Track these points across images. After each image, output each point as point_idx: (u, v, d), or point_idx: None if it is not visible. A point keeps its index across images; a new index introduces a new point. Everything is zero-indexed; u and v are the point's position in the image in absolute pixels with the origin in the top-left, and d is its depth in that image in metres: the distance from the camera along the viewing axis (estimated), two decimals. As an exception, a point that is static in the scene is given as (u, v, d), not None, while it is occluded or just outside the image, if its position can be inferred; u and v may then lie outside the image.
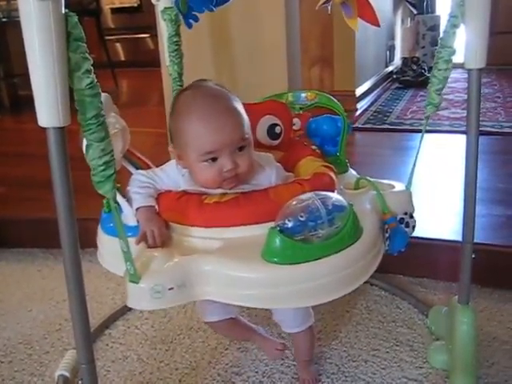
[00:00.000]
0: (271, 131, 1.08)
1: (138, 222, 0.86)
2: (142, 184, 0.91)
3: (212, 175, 0.86)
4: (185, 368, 1.15)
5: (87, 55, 0.64)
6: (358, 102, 3.21)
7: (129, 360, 1.19)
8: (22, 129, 3.42)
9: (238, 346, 1.20)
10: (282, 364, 1.14)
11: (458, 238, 1.03)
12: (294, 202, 0.77)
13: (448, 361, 1.07)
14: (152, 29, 5.01)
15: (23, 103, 3.90)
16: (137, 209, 0.87)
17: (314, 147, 1.05)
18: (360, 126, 2.84)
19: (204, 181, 0.88)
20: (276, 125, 1.08)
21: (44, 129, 0.66)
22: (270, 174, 0.92)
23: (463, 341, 1.01)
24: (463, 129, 2.91)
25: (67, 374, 1.11)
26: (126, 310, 1.38)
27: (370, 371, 1.11)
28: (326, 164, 0.96)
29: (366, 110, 3.25)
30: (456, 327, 1.02)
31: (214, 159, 0.86)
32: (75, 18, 0.62)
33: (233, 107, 0.87)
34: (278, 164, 0.96)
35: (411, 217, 0.96)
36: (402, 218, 0.94)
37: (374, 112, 3.21)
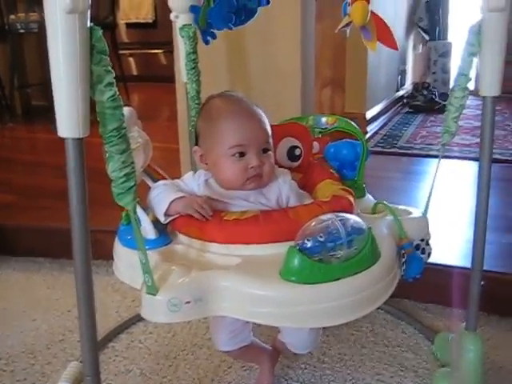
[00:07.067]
0: (291, 153, 1.09)
1: (174, 214, 0.89)
2: (167, 185, 0.94)
3: (238, 171, 0.91)
4: (187, 384, 1.15)
5: (110, 68, 0.65)
6: (368, 125, 3.21)
7: (131, 374, 1.19)
8: (33, 138, 3.46)
9: (242, 365, 1.20)
10: (285, 385, 1.14)
11: (465, 264, 1.02)
12: (314, 223, 0.77)
13: (453, 388, 1.05)
14: (165, 45, 5.07)
15: (35, 113, 3.94)
16: (171, 202, 0.88)
17: (332, 171, 1.05)
18: (369, 148, 2.84)
19: (228, 176, 0.92)
20: (296, 147, 1.09)
21: (62, 139, 0.67)
22: (281, 184, 0.95)
23: (470, 368, 1.00)
24: (472, 155, 2.90)
25: (69, 385, 1.10)
26: (130, 323, 1.37)
27: (374, 396, 1.10)
28: (345, 187, 0.97)
29: (375, 133, 3.26)
30: (463, 354, 1.01)
31: (241, 154, 0.91)
32: (99, 32, 0.63)
33: (260, 112, 0.96)
34: (293, 181, 0.98)
35: (427, 244, 0.95)
36: (419, 245, 0.94)
37: (384, 135, 3.21)
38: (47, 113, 3.58)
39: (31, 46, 3.85)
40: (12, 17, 3.68)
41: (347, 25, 0.99)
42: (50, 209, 1.89)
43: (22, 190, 2.26)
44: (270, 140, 0.95)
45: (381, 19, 0.98)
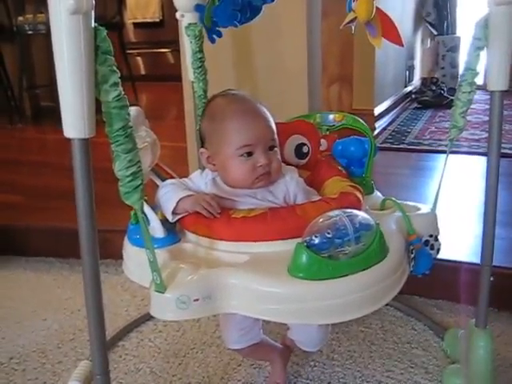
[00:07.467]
0: (298, 150, 1.09)
1: (183, 212, 0.89)
2: (174, 184, 0.94)
3: (246, 170, 0.91)
4: (197, 383, 1.15)
5: (115, 68, 0.65)
6: (376, 121, 3.20)
7: (141, 372, 1.19)
8: (42, 139, 3.47)
9: (251, 363, 1.20)
10: (295, 383, 1.13)
11: (475, 260, 1.01)
12: (322, 219, 0.77)
13: (464, 385, 1.05)
14: (173, 44, 5.07)
15: (44, 114, 3.96)
16: (178, 201, 0.88)
17: (340, 168, 1.05)
18: (378, 145, 2.84)
19: (237, 177, 0.92)
20: (303, 144, 1.09)
21: (68, 140, 0.67)
22: (288, 182, 0.95)
23: (479, 365, 1.00)
24: (481, 150, 2.87)
25: (80, 384, 1.11)
26: (139, 322, 1.38)
27: (383, 393, 1.10)
28: (353, 184, 0.96)
29: (384, 129, 3.25)
30: (472, 351, 1.00)
31: (249, 154, 0.91)
32: (104, 32, 0.63)
33: (264, 110, 0.96)
34: (300, 178, 0.98)
35: (436, 239, 0.95)
36: (427, 240, 0.93)
37: (393, 132, 3.20)
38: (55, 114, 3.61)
39: (39, 47, 3.86)
40: (20, 18, 3.71)
41: (352, 21, 0.98)
42: (59, 209, 1.89)
43: (31, 190, 2.27)
44: (276, 137, 0.95)
45: (386, 15, 0.97)
